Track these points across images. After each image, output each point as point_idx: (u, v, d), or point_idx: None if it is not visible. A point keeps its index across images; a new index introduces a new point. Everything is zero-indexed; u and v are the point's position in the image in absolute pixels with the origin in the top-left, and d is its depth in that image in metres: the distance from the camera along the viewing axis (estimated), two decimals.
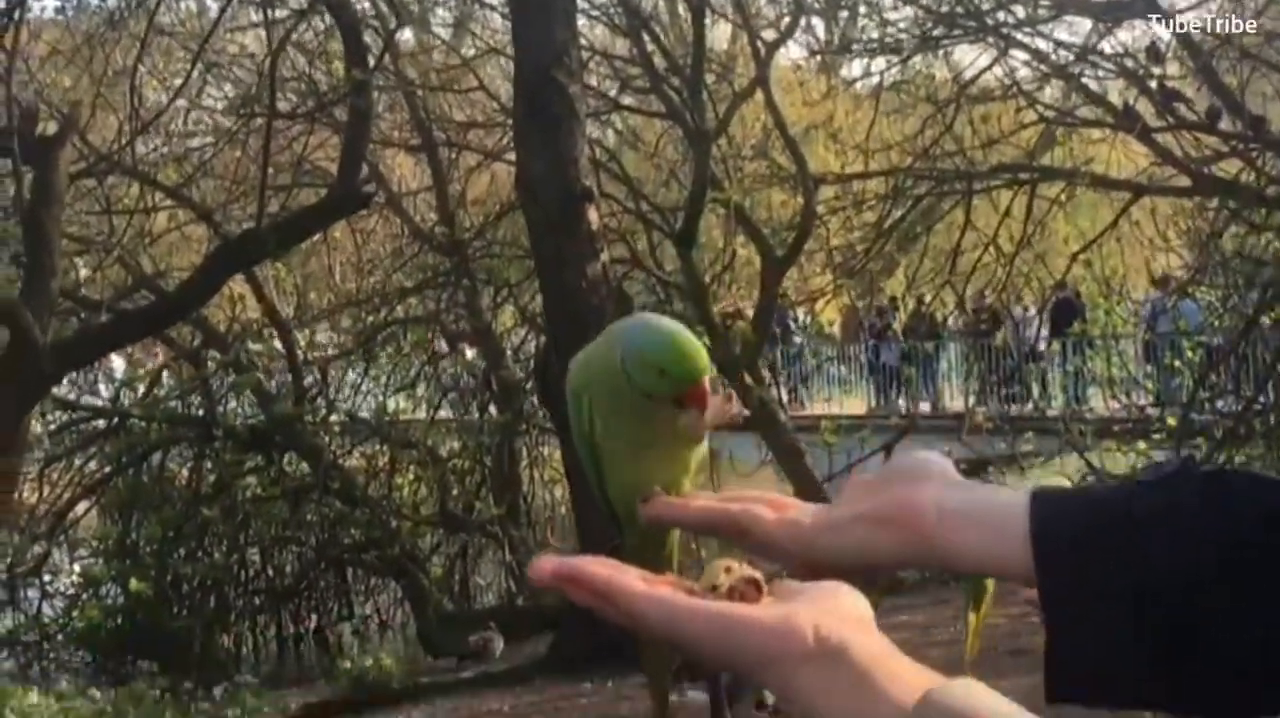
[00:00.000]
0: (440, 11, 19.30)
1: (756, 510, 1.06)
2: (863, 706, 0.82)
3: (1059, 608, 0.93)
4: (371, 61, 10.56)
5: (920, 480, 1.01)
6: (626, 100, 15.93)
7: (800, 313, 19.35)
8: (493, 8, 16.36)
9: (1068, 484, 1.76)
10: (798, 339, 22.87)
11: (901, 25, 14.12)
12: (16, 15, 9.35)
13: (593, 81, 15.17)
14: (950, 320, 21.02)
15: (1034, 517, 0.96)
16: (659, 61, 13.56)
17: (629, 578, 0.89)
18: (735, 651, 0.85)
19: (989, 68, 14.01)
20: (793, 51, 19.82)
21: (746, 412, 1.16)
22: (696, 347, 1.13)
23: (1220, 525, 0.92)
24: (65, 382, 13.05)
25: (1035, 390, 16.20)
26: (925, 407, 20.82)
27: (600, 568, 0.90)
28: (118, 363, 16.69)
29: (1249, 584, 0.90)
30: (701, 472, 1.24)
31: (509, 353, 14.91)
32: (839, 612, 0.86)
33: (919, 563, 1.03)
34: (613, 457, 1.21)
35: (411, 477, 14.83)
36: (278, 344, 14.26)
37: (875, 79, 16.06)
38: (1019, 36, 13.19)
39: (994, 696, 0.79)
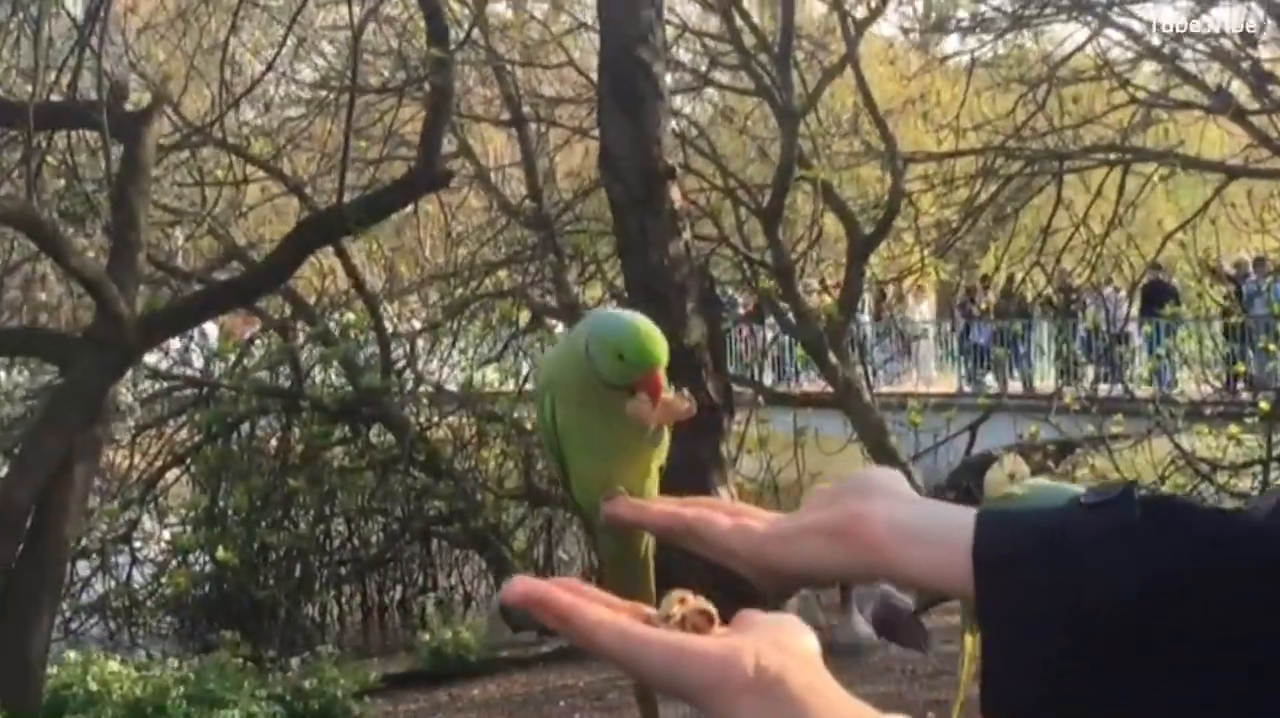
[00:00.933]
0: None
1: (711, 517, 1.08)
2: None
3: (995, 629, 0.94)
4: (461, 35, 10.55)
5: (873, 495, 1.02)
6: (717, 76, 15.88)
7: (889, 292, 19.19)
8: None
9: (1053, 483, 1.75)
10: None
11: (995, 3, 14.02)
12: None
13: (684, 58, 15.14)
14: (1046, 298, 20.85)
15: (977, 537, 0.96)
16: (749, 39, 13.52)
17: (589, 606, 0.92)
18: (681, 679, 0.87)
19: (1083, 46, 13.87)
20: (887, 29, 19.65)
21: (694, 409, 1.18)
22: (656, 335, 1.15)
23: (1154, 553, 0.91)
24: (158, 350, 13.20)
25: (1125, 372, 16.01)
26: (1015, 386, 20.66)
27: (564, 594, 0.92)
28: (213, 332, 16.86)
29: (1179, 613, 0.89)
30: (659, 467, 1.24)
31: None
32: (784, 645, 0.88)
33: (868, 576, 1.04)
34: (576, 452, 1.22)
35: (497, 450, 14.87)
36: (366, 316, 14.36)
37: (967, 57, 15.94)
38: (1112, 15, 13.07)
39: None
